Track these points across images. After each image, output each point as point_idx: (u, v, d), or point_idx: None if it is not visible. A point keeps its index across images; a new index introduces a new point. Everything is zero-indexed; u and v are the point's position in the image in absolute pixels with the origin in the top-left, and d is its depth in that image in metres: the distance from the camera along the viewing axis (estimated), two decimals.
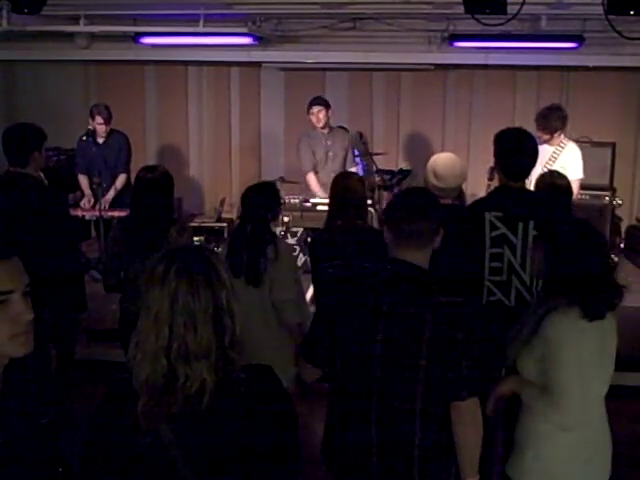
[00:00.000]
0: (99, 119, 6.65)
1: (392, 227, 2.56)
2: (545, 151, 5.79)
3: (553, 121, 5.88)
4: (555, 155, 5.94)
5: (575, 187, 5.47)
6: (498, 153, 3.61)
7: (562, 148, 5.99)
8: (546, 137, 5.87)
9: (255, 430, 1.75)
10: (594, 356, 2.53)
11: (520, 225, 3.39)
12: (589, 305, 2.51)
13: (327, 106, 6.46)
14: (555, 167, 5.75)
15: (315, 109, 6.39)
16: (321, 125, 6.38)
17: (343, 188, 4.13)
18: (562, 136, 6.04)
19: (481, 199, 3.87)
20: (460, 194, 4.28)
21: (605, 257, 2.68)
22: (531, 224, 3.37)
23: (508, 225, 3.40)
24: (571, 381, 2.49)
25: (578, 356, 2.49)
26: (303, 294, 4.05)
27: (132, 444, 1.72)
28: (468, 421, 2.49)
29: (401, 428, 2.47)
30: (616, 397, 2.75)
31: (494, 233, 3.42)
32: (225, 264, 3.51)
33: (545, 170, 5.56)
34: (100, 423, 1.79)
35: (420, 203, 2.60)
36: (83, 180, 6.95)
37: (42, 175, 4.50)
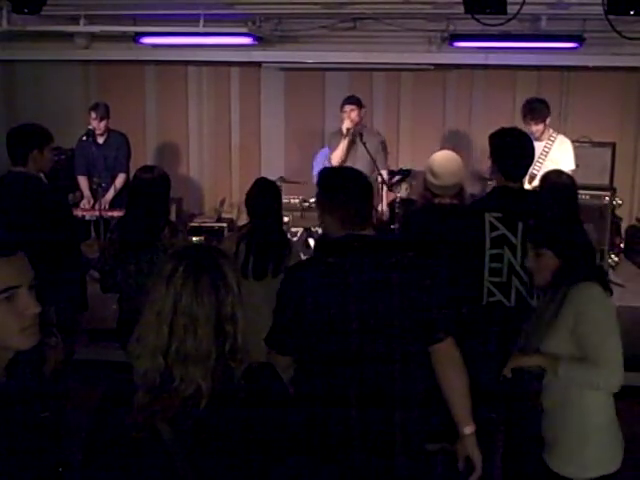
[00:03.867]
0: (93, 115, 6.71)
1: (340, 209, 2.61)
2: (536, 147, 5.82)
3: (540, 109, 5.97)
4: (546, 150, 5.98)
5: None
6: (496, 154, 3.61)
7: (552, 142, 6.03)
8: (540, 128, 5.93)
9: (255, 434, 1.75)
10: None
11: (520, 225, 3.39)
12: (605, 282, 2.70)
13: (360, 105, 6.39)
14: (547, 161, 5.80)
15: (347, 108, 6.33)
16: (352, 125, 6.27)
17: None
18: (551, 130, 6.07)
19: (480, 199, 3.88)
20: (460, 192, 4.25)
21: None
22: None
23: (508, 226, 3.40)
24: (614, 345, 2.61)
25: (614, 323, 2.63)
26: None
27: (132, 442, 1.72)
28: (448, 361, 2.58)
29: (382, 381, 2.52)
30: (616, 397, 2.75)
31: (494, 234, 3.42)
32: (241, 266, 3.60)
33: (537, 165, 5.59)
34: (100, 421, 1.79)
35: (364, 185, 2.69)
36: (83, 182, 6.97)
37: (42, 175, 4.50)
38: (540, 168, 5.67)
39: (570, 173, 5.86)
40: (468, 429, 2.59)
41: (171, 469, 1.70)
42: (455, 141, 8.07)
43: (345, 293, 2.50)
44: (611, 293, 2.72)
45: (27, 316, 1.76)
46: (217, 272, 1.76)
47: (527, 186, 5.26)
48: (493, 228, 3.43)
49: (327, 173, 2.87)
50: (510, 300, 3.44)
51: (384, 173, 6.38)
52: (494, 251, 3.44)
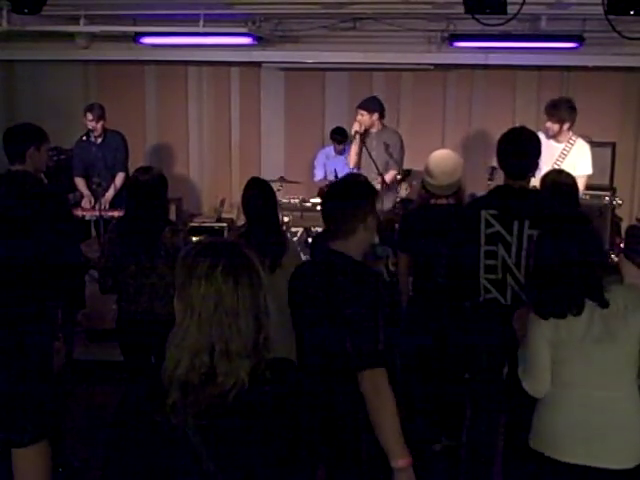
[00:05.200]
0: (89, 116, 6.72)
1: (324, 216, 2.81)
2: (554, 148, 5.79)
3: (562, 110, 5.84)
4: (565, 152, 5.93)
5: (581, 183, 5.44)
6: (499, 152, 3.62)
7: (572, 145, 5.97)
8: (555, 127, 5.82)
9: (276, 428, 1.75)
10: (570, 343, 2.62)
11: (515, 224, 3.40)
12: (539, 305, 2.66)
13: (370, 111, 6.30)
14: (565, 164, 5.74)
15: (358, 111, 6.35)
16: (360, 128, 6.27)
17: None
18: (571, 133, 6.02)
19: (480, 197, 3.90)
20: (457, 192, 4.23)
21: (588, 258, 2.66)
22: (527, 223, 3.38)
23: (503, 223, 3.42)
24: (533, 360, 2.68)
25: (539, 344, 2.64)
26: None
27: (157, 439, 1.72)
28: (369, 394, 2.49)
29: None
30: None
31: (489, 230, 3.44)
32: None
33: (555, 167, 5.55)
34: (122, 421, 1.78)
35: (345, 187, 2.81)
36: (80, 183, 6.97)
37: (42, 175, 4.50)
38: None
39: (584, 177, 5.86)
40: (396, 462, 2.41)
41: (196, 464, 1.69)
42: (455, 141, 8.08)
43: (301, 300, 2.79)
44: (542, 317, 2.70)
45: None
46: (251, 268, 1.77)
47: None
48: (488, 225, 3.44)
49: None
50: (506, 298, 3.45)
51: (393, 173, 6.38)
52: (488, 247, 3.45)
